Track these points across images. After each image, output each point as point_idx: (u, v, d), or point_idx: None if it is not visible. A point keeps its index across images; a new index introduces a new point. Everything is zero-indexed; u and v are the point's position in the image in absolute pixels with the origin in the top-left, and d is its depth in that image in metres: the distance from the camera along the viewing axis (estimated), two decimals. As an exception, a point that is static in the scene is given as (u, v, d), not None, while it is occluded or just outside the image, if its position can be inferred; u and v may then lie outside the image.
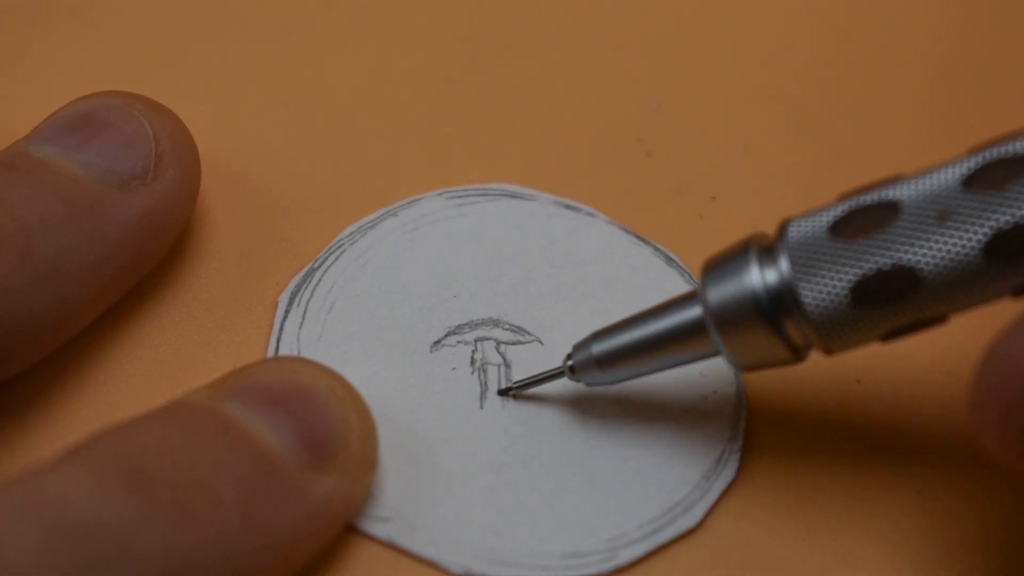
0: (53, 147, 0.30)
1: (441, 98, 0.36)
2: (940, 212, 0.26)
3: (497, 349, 0.31)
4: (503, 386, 0.31)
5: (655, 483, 0.29)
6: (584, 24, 0.38)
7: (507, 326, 0.32)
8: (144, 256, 0.31)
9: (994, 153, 0.26)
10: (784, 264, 0.27)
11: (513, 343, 0.32)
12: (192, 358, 0.31)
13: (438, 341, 0.31)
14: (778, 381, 0.31)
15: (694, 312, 0.28)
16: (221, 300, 0.32)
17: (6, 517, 0.24)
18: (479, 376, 0.31)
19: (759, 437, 0.30)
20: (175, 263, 0.32)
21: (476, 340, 0.32)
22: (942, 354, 0.31)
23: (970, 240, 0.25)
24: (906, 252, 0.26)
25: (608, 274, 0.33)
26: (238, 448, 0.26)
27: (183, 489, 0.25)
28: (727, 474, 0.30)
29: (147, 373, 0.31)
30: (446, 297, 0.32)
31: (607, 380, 0.29)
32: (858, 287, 0.26)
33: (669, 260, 0.33)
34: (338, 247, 0.33)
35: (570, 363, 0.29)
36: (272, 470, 0.27)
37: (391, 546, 0.29)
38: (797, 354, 0.27)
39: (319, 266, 0.32)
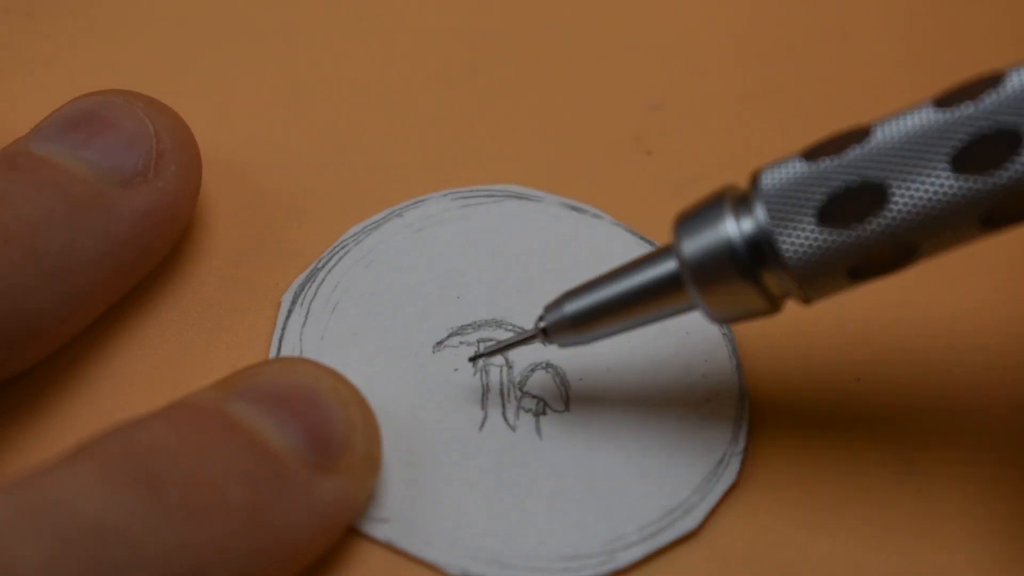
0: (54, 145, 0.30)
1: (445, 99, 0.36)
2: (910, 129, 0.26)
3: (500, 350, 0.31)
4: (506, 388, 0.31)
5: (655, 485, 0.29)
6: (584, 24, 0.38)
7: (510, 327, 0.32)
8: (147, 253, 0.31)
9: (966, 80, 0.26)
10: (760, 212, 0.26)
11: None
12: (193, 358, 0.31)
13: (440, 342, 0.31)
14: (780, 382, 0.31)
15: (669, 266, 0.28)
16: (223, 300, 0.32)
17: (12, 522, 0.24)
18: (481, 377, 0.31)
19: (761, 440, 0.30)
20: (176, 262, 0.32)
21: (479, 341, 0.31)
22: (942, 354, 0.31)
23: (937, 152, 0.25)
24: (874, 168, 0.26)
25: (613, 275, 0.33)
26: (244, 448, 0.27)
27: (190, 489, 0.25)
28: (728, 477, 0.29)
29: (148, 373, 0.31)
30: (450, 298, 0.32)
31: (582, 340, 0.29)
32: (827, 205, 0.26)
33: (675, 261, 0.33)
34: (342, 247, 0.33)
35: (543, 325, 0.29)
36: (278, 470, 0.27)
37: (390, 547, 0.29)
38: (774, 304, 0.27)
39: (323, 266, 0.32)
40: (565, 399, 0.31)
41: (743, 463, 0.30)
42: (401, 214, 0.33)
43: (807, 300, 0.27)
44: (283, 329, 0.31)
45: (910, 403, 0.30)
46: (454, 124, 0.35)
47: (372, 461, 0.28)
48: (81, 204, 0.29)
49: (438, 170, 0.34)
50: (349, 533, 0.28)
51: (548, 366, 0.31)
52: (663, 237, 0.33)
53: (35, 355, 0.29)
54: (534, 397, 0.31)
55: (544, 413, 0.30)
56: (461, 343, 0.31)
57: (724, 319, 0.27)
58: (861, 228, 0.26)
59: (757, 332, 0.31)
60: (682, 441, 0.30)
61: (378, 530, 0.29)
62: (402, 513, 0.29)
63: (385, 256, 0.33)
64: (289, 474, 0.27)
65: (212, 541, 0.25)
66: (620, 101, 0.36)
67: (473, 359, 0.31)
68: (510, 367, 0.31)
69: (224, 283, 0.32)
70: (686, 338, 0.31)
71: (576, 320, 0.28)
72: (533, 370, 0.31)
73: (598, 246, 0.33)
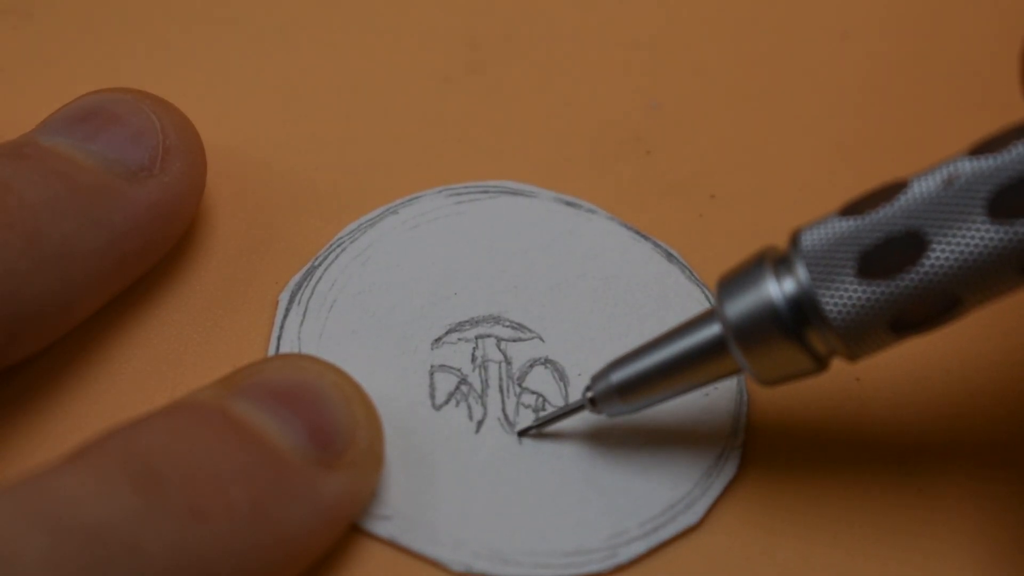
0: (62, 137, 0.30)
1: (441, 96, 0.36)
2: (946, 179, 0.26)
3: (498, 346, 0.31)
4: (505, 384, 0.31)
5: (656, 480, 0.29)
6: (584, 24, 0.38)
7: (508, 323, 0.32)
8: (150, 246, 0.31)
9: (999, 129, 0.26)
10: (801, 272, 0.26)
11: (514, 340, 0.32)
12: (192, 356, 0.31)
13: (439, 338, 0.31)
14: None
15: (713, 330, 0.27)
16: (221, 298, 0.32)
17: (12, 522, 0.24)
18: (480, 373, 0.31)
19: (760, 434, 0.30)
20: (176, 261, 0.32)
21: (477, 337, 0.32)
22: (942, 353, 0.31)
23: (973, 198, 0.25)
24: (911, 218, 0.26)
25: (609, 270, 0.33)
26: (247, 446, 0.26)
27: (192, 488, 0.25)
28: (728, 471, 0.30)
29: (148, 371, 0.31)
30: (447, 294, 0.32)
31: (629, 409, 0.29)
32: (866, 259, 0.26)
33: (670, 256, 0.33)
34: (339, 245, 0.33)
35: (590, 395, 0.29)
36: (281, 468, 0.27)
37: (392, 544, 0.29)
38: (820, 364, 0.27)
39: (320, 264, 0.32)
40: (564, 395, 0.31)
41: (742, 457, 0.30)
42: (396, 211, 0.33)
43: (853, 358, 0.27)
44: (281, 328, 0.31)
45: (910, 403, 0.30)
46: (451, 122, 0.36)
47: (375, 456, 0.28)
48: (86, 194, 0.29)
49: (433, 167, 0.34)
50: (352, 531, 0.29)
51: (547, 362, 0.31)
52: (660, 234, 0.33)
53: (35, 344, 0.29)
54: (533, 393, 0.31)
55: (544, 409, 0.30)
56: (459, 339, 0.31)
57: (772, 381, 0.27)
58: (901, 278, 0.26)
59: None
60: (681, 436, 0.30)
61: (381, 527, 0.29)
62: (404, 510, 0.29)
63: (381, 253, 0.33)
64: (292, 471, 0.27)
65: (214, 540, 0.25)
66: (620, 100, 0.36)
67: (522, 433, 0.30)
68: (509, 363, 0.31)
69: (223, 281, 0.32)
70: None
71: (623, 389, 0.28)
72: (532, 366, 0.31)
73: (593, 241, 0.33)
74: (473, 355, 0.31)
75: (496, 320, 0.32)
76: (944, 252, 0.25)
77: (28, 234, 0.28)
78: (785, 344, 0.26)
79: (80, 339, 0.31)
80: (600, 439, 0.30)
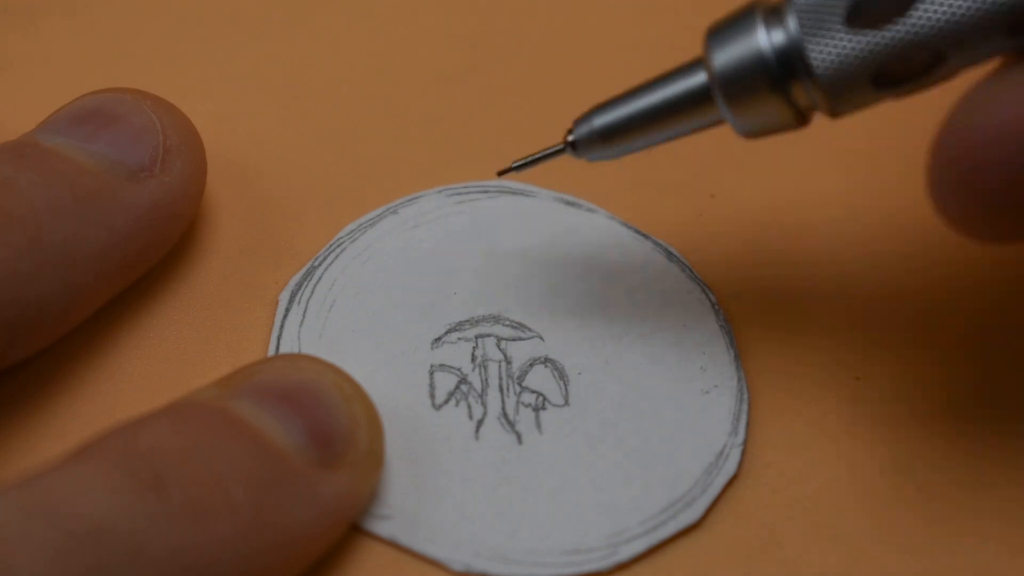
0: (62, 137, 0.30)
1: (441, 96, 0.36)
2: None
3: (498, 346, 0.31)
4: (505, 383, 0.31)
5: (656, 478, 0.29)
6: (583, 23, 0.38)
7: (508, 322, 0.32)
8: (151, 247, 0.31)
9: None
10: (792, 22, 0.26)
11: (514, 339, 0.32)
12: (193, 356, 0.31)
13: (439, 338, 0.31)
14: (780, 377, 0.31)
15: (699, 79, 0.28)
16: (222, 298, 0.32)
17: (15, 522, 0.24)
18: (480, 373, 0.31)
19: (760, 432, 0.30)
20: (176, 261, 0.32)
21: (477, 337, 0.32)
22: (940, 352, 0.31)
23: None
24: None
25: (609, 269, 0.33)
26: (248, 447, 0.27)
27: (194, 489, 0.25)
28: (728, 469, 0.30)
29: (148, 371, 0.31)
30: (447, 294, 0.32)
31: (610, 154, 0.29)
32: (856, 8, 0.25)
33: (670, 255, 0.33)
34: (338, 245, 0.33)
35: (572, 138, 0.29)
36: (282, 468, 0.27)
37: (392, 544, 0.29)
38: (802, 118, 0.27)
39: (320, 264, 0.32)
40: (564, 394, 0.31)
41: (743, 455, 0.30)
42: (396, 211, 0.33)
43: (834, 113, 0.27)
44: (281, 327, 0.31)
45: (909, 401, 0.30)
46: (451, 122, 0.36)
47: (376, 457, 0.28)
48: (87, 195, 0.29)
49: (433, 167, 0.34)
50: (352, 530, 0.29)
51: (547, 361, 0.31)
52: (660, 233, 0.33)
53: (35, 345, 0.29)
54: (533, 392, 0.31)
55: (544, 408, 0.30)
56: (459, 339, 0.31)
57: (751, 133, 0.27)
58: (888, 30, 0.25)
59: (756, 326, 0.32)
60: (682, 434, 0.30)
61: (381, 527, 0.29)
62: (404, 510, 0.29)
63: (381, 253, 0.33)
64: (293, 472, 0.27)
65: (215, 540, 0.25)
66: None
67: (502, 173, 0.30)
68: (509, 363, 0.31)
69: (223, 281, 0.32)
70: (683, 331, 0.32)
71: (605, 134, 0.29)
72: (532, 365, 0.31)
73: (593, 240, 0.33)
74: (473, 354, 0.31)
75: (496, 319, 0.32)
76: (933, 5, 0.25)
77: (29, 235, 0.28)
78: (770, 96, 0.27)
79: (80, 339, 0.31)
80: (601, 437, 0.30)
